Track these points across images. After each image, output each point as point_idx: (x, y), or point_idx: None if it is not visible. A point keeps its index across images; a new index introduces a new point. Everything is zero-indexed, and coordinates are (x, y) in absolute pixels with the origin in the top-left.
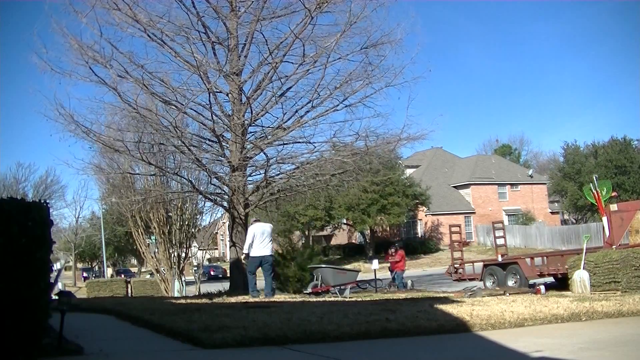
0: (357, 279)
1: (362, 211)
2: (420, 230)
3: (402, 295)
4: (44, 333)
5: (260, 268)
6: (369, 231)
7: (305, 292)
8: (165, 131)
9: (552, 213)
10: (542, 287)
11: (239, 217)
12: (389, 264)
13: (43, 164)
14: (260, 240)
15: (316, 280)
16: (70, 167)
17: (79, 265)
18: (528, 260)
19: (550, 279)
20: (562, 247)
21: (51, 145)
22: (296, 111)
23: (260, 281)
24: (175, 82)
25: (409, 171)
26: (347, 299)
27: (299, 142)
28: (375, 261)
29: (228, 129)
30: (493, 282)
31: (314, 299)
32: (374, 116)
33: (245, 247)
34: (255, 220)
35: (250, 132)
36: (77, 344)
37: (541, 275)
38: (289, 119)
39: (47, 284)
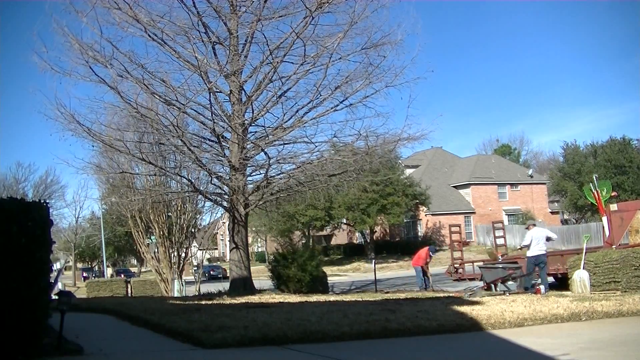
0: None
1: (361, 211)
2: (420, 230)
3: (402, 296)
4: (44, 333)
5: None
6: (368, 231)
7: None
8: (166, 131)
9: (552, 213)
10: (542, 287)
11: (239, 217)
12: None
13: (43, 164)
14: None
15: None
16: (70, 166)
17: (79, 265)
18: None
19: (550, 279)
20: (562, 247)
21: (51, 145)
22: (297, 111)
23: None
24: (176, 82)
25: (409, 171)
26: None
27: (300, 142)
28: (372, 261)
29: (228, 128)
30: None
31: (314, 299)
32: (375, 116)
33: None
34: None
35: (251, 132)
36: (77, 344)
37: None
38: (289, 119)
39: (47, 284)
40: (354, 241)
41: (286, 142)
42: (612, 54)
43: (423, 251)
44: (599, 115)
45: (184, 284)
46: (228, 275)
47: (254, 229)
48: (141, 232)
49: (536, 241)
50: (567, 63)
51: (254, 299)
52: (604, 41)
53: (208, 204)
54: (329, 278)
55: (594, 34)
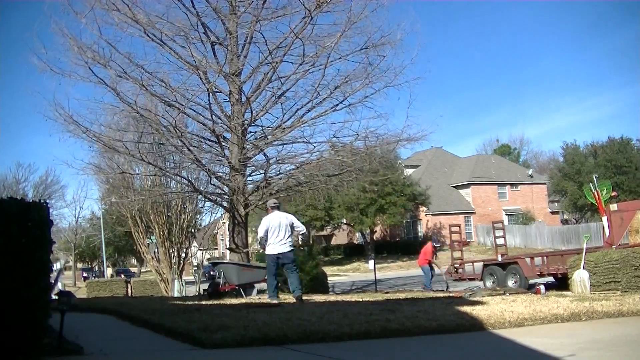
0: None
1: (360, 211)
2: (421, 230)
3: (402, 296)
4: (44, 333)
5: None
6: (368, 231)
7: (204, 289)
8: (165, 131)
9: (552, 213)
10: (542, 287)
11: (239, 217)
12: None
13: (43, 164)
14: (275, 234)
15: (218, 278)
16: (70, 167)
17: (79, 265)
18: (528, 260)
19: (550, 279)
20: (562, 247)
21: (51, 145)
22: (296, 111)
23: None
24: (175, 83)
25: (408, 171)
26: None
27: (299, 142)
28: (372, 261)
29: (228, 129)
30: (493, 282)
31: (314, 299)
32: (374, 117)
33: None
34: (273, 206)
35: (250, 132)
36: (77, 344)
37: (541, 275)
38: (288, 119)
39: (47, 284)
40: (354, 241)
41: (285, 142)
42: (612, 52)
43: (427, 246)
44: (600, 114)
45: (184, 284)
46: None
47: (254, 229)
48: (141, 233)
49: None
50: (567, 61)
51: (254, 299)
52: (604, 39)
53: (208, 204)
54: (329, 278)
55: (594, 32)
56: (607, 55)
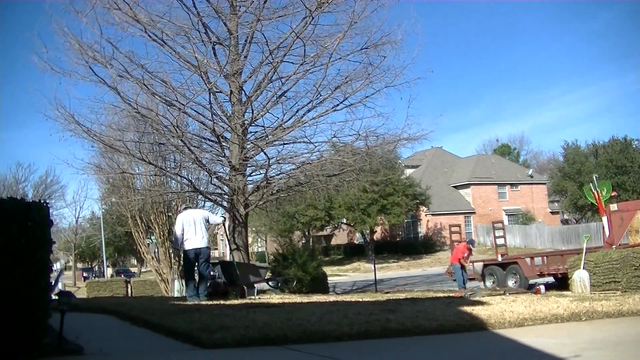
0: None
1: (362, 211)
2: (421, 230)
3: (402, 296)
4: (44, 333)
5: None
6: (369, 231)
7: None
8: (166, 131)
9: (552, 213)
10: (542, 287)
11: (239, 217)
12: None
13: (43, 164)
14: (191, 230)
15: (218, 278)
16: (70, 166)
17: (79, 265)
18: (528, 260)
19: (550, 279)
20: (562, 247)
21: (51, 145)
22: (297, 111)
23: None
24: (176, 82)
25: (409, 171)
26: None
27: (299, 142)
28: (373, 261)
29: (228, 129)
30: (493, 282)
31: (314, 299)
32: (374, 116)
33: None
34: (185, 207)
35: (251, 132)
36: (77, 344)
37: (541, 275)
38: (289, 119)
39: (47, 284)
40: (354, 241)
41: (286, 142)
42: (613, 52)
43: (461, 245)
44: (600, 114)
45: (184, 284)
46: None
47: (254, 229)
48: (141, 232)
49: None
50: (568, 61)
51: (254, 299)
52: (605, 38)
53: (208, 204)
54: (329, 278)
55: (595, 31)
56: (601, 49)
